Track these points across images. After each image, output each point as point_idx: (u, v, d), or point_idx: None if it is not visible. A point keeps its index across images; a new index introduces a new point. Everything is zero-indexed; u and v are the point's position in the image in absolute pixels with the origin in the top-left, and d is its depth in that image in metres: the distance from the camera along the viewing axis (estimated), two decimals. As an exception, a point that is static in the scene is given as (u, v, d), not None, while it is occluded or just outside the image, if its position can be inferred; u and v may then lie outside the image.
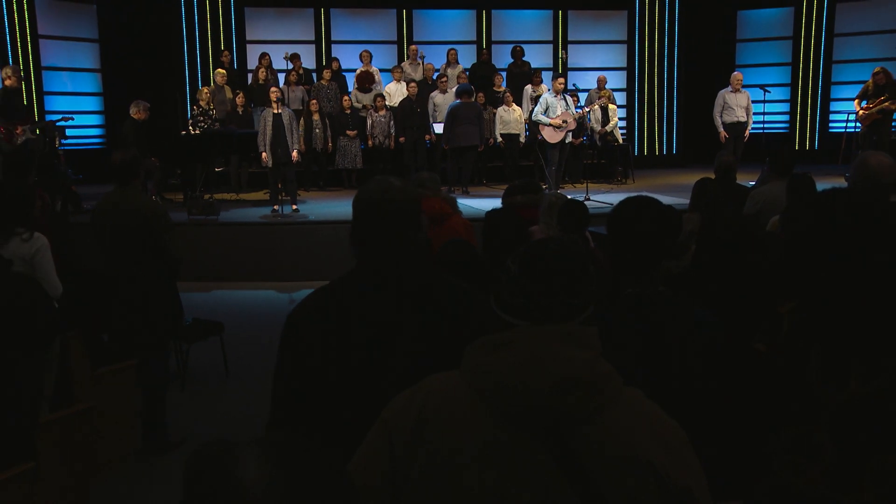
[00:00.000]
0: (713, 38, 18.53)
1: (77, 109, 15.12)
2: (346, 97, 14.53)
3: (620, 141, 15.48)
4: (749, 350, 2.19)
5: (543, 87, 15.22)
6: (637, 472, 1.69)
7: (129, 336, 5.79)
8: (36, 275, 4.92)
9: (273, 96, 11.85)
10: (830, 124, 17.95)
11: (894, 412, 1.99)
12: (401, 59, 16.59)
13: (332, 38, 17.29)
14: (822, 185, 6.23)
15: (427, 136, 14.48)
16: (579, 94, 14.79)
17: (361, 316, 2.35)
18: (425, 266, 2.49)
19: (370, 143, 14.33)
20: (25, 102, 13.36)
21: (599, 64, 17.59)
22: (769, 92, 14.78)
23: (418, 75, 15.27)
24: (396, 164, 14.34)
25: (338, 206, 12.20)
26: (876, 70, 13.19)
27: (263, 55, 15.12)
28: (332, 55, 16.53)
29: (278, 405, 2.45)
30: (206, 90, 13.57)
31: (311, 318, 2.43)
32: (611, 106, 15.03)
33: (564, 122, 12.47)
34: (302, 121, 13.23)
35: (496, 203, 7.48)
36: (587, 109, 14.23)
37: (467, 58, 16.57)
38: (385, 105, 14.33)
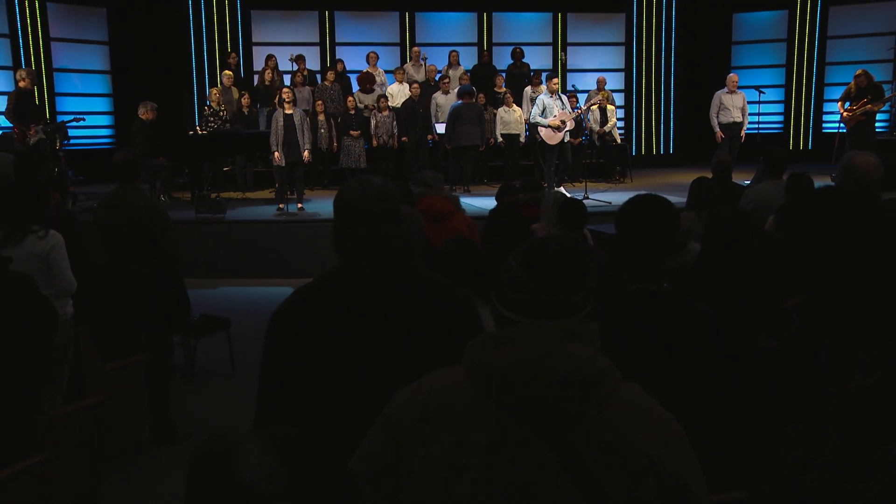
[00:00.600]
0: (709, 41, 18.53)
1: (87, 110, 15.14)
2: (350, 98, 14.53)
3: (619, 141, 15.47)
4: (756, 346, 2.19)
5: (542, 87, 15.20)
6: (635, 466, 1.69)
7: (132, 332, 5.80)
8: (51, 271, 4.92)
9: (286, 97, 11.85)
10: (823, 125, 17.96)
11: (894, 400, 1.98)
12: (403, 61, 16.59)
13: (337, 41, 17.29)
14: (817, 183, 6.22)
15: (429, 136, 14.48)
16: (578, 95, 14.79)
17: (342, 313, 2.33)
18: (407, 263, 2.47)
19: (374, 142, 14.33)
20: (38, 103, 13.37)
21: (598, 65, 17.58)
22: (764, 93, 14.79)
23: (421, 76, 15.26)
24: (399, 164, 14.33)
25: (342, 205, 12.16)
26: (857, 73, 13.19)
27: (269, 57, 15.13)
28: (337, 57, 16.53)
29: (264, 402, 2.44)
30: (215, 91, 13.57)
31: (294, 315, 2.41)
32: (609, 106, 15.02)
33: (563, 122, 12.44)
34: (308, 121, 13.22)
35: (496, 201, 7.47)
36: (584, 108, 14.20)
37: (469, 59, 16.56)
38: (388, 106, 14.33)
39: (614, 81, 17.58)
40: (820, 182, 6.51)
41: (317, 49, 17.06)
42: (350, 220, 2.39)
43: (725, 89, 13.65)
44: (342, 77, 15.34)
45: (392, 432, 1.81)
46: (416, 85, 14.49)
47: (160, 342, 5.90)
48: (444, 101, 14.35)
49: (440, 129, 14.16)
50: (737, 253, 3.46)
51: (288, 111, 11.70)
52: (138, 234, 5.70)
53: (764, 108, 14.92)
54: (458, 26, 17.74)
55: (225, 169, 14.39)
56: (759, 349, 2.20)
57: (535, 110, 12.62)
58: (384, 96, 14.45)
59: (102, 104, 16.41)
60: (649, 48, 18.26)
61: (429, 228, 5.25)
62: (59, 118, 13.95)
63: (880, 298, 2.03)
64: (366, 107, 14.73)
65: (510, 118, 14.52)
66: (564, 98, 12.85)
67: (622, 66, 18.39)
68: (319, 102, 14.05)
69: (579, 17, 18.09)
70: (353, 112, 14.34)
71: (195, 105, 15.36)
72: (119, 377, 5.47)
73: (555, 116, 12.39)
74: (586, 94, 15.34)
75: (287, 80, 14.97)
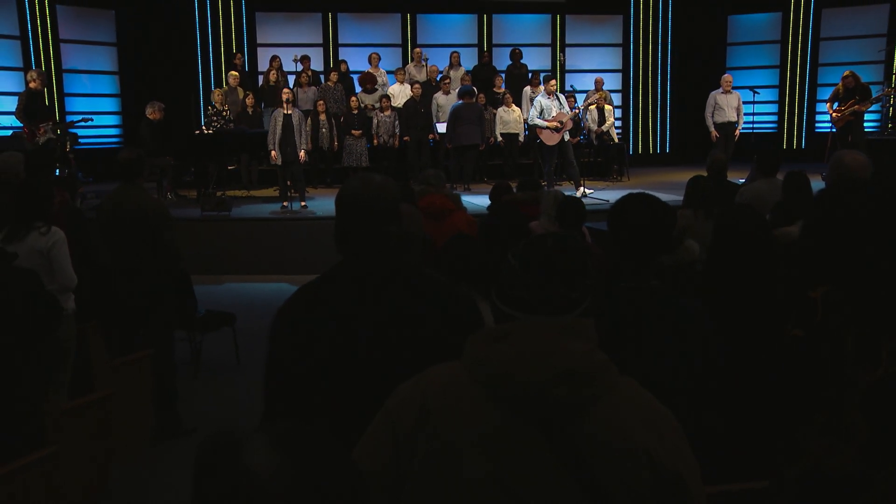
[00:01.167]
0: (705, 42, 18.50)
1: (96, 110, 15.14)
2: (353, 98, 14.53)
3: (616, 140, 15.47)
4: (783, 335, 2.19)
5: (541, 88, 15.18)
6: (632, 460, 1.68)
7: (135, 327, 5.81)
8: (52, 267, 4.93)
9: (285, 97, 11.86)
10: (816, 125, 17.95)
11: None
12: (405, 62, 16.58)
13: (340, 42, 17.27)
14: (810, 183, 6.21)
15: (430, 136, 14.47)
16: (576, 96, 14.78)
17: (345, 310, 2.33)
18: (408, 261, 2.47)
19: (376, 142, 14.32)
20: (47, 104, 13.37)
21: (596, 66, 17.57)
22: (758, 93, 14.78)
23: (422, 77, 15.25)
24: (401, 163, 14.33)
25: (345, 203, 12.17)
26: (845, 74, 13.20)
27: (274, 58, 15.12)
28: (340, 58, 16.52)
29: (271, 399, 2.44)
30: (218, 91, 13.57)
31: (298, 312, 2.41)
32: (607, 106, 15.03)
33: (560, 122, 12.42)
34: (309, 120, 13.22)
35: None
36: (582, 107, 14.19)
37: (469, 60, 16.55)
38: (390, 105, 14.33)
39: (612, 82, 17.58)
40: (813, 180, 6.51)
41: (320, 50, 17.05)
42: (351, 218, 2.39)
43: (720, 89, 13.64)
44: (345, 77, 15.34)
45: (393, 426, 1.80)
46: (417, 85, 14.48)
47: (162, 338, 5.90)
48: (445, 101, 14.34)
49: (441, 128, 14.16)
50: (748, 247, 3.47)
51: (287, 111, 11.70)
52: (140, 232, 5.71)
53: (758, 108, 14.92)
54: (458, 28, 17.73)
55: (230, 168, 14.40)
56: (786, 338, 2.20)
57: (533, 112, 12.60)
58: (386, 96, 14.44)
59: (110, 104, 16.42)
60: (646, 49, 18.24)
61: (429, 226, 5.25)
62: (69, 118, 13.97)
63: None
64: (366, 107, 14.72)
65: (509, 118, 14.54)
66: (563, 98, 12.82)
67: (620, 66, 18.39)
68: (321, 102, 14.05)
69: (577, 18, 18.08)
70: (355, 112, 14.34)
71: (201, 105, 15.36)
72: (126, 372, 5.47)
73: (552, 117, 12.37)
74: (584, 95, 15.33)
75: (291, 80, 14.96)
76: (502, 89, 15.27)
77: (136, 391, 5.54)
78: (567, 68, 17.26)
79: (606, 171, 15.44)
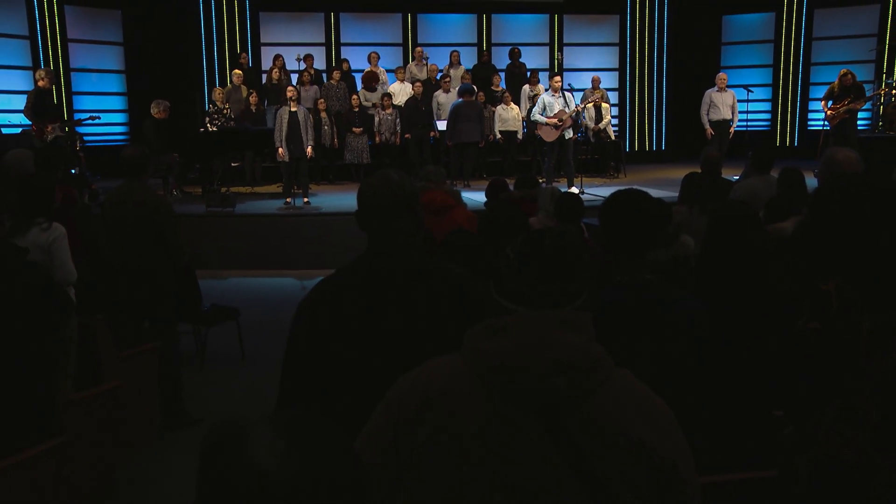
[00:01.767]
0: (700, 41, 18.48)
1: (103, 108, 15.13)
2: (354, 96, 14.53)
3: (613, 137, 15.45)
4: (797, 328, 2.19)
5: (540, 87, 15.20)
6: (627, 450, 1.69)
7: (139, 321, 5.81)
8: (53, 262, 4.94)
9: (290, 95, 11.85)
10: (809, 123, 17.95)
11: None
12: (406, 61, 16.56)
13: (342, 41, 17.25)
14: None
15: (431, 133, 14.45)
16: (574, 94, 14.75)
17: (363, 303, 2.34)
18: (424, 255, 2.49)
19: (378, 139, 14.32)
20: (56, 102, 13.37)
21: (593, 65, 17.53)
22: (752, 92, 14.76)
23: (423, 76, 15.23)
24: (402, 160, 14.33)
25: (347, 199, 12.20)
26: (844, 71, 13.17)
27: (277, 57, 15.10)
28: (342, 57, 16.50)
29: (288, 387, 2.44)
30: (219, 90, 13.56)
31: (321, 304, 2.42)
32: (604, 105, 15.00)
33: (560, 121, 12.41)
34: (312, 118, 13.22)
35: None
36: (582, 106, 14.17)
37: (469, 59, 16.52)
38: (391, 104, 14.32)
39: (609, 80, 17.55)
40: (805, 176, 6.51)
41: (322, 49, 17.03)
42: (371, 214, 2.42)
43: (715, 88, 13.63)
44: (347, 76, 15.33)
45: (394, 416, 1.81)
46: (418, 84, 14.47)
47: (166, 331, 5.90)
48: (446, 99, 14.33)
49: (441, 126, 14.15)
50: (740, 242, 3.47)
51: (293, 108, 11.70)
52: (144, 227, 5.72)
53: (752, 106, 14.90)
54: (458, 27, 17.70)
55: (234, 165, 14.40)
56: (800, 331, 2.21)
57: (537, 108, 12.58)
58: (387, 94, 14.44)
59: (117, 102, 16.41)
60: (642, 48, 18.22)
61: (430, 222, 5.25)
62: (76, 116, 13.99)
63: None
64: (372, 105, 14.72)
65: (508, 116, 14.53)
66: (567, 96, 12.80)
67: (616, 65, 18.36)
68: (321, 101, 14.03)
69: (575, 18, 18.04)
70: (356, 109, 14.34)
71: (206, 103, 15.37)
72: (132, 364, 5.48)
73: (553, 114, 12.36)
74: (581, 93, 15.31)
75: (294, 79, 14.94)
76: (501, 88, 15.27)
77: (143, 383, 5.55)
78: (565, 67, 17.25)
79: (603, 168, 15.43)
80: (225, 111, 13.22)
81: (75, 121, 13.19)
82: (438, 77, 15.03)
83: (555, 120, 12.35)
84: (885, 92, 14.79)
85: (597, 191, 12.48)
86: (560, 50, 17.30)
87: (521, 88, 15.14)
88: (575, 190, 12.15)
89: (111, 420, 4.87)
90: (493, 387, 1.72)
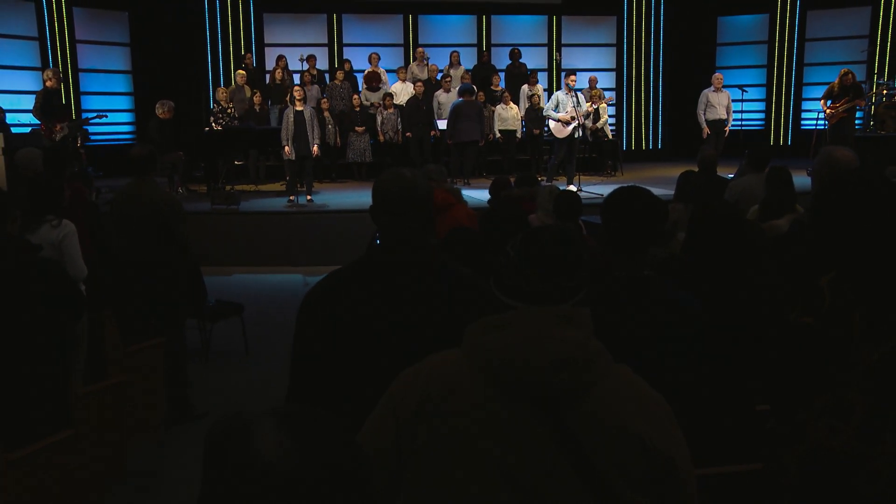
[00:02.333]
0: (695, 42, 18.50)
1: (110, 108, 15.13)
2: (356, 96, 14.52)
3: (610, 136, 15.47)
4: (790, 322, 2.19)
5: (539, 86, 15.22)
6: (626, 443, 1.69)
7: (147, 316, 5.81)
8: (63, 258, 4.94)
9: (297, 94, 11.86)
10: (802, 122, 17.98)
11: None
12: (407, 61, 16.55)
13: (344, 42, 17.24)
14: (795, 177, 6.21)
15: (432, 132, 14.45)
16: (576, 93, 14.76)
17: (370, 297, 2.34)
18: (432, 252, 2.49)
19: (380, 138, 14.33)
20: (64, 102, 13.37)
21: (591, 65, 17.52)
22: (746, 92, 14.75)
23: (424, 76, 15.23)
24: (403, 158, 14.32)
25: (349, 197, 12.21)
26: (845, 71, 13.16)
27: (280, 57, 15.10)
28: (344, 57, 16.49)
29: (296, 380, 2.44)
30: (223, 90, 13.56)
31: (325, 297, 2.42)
32: (601, 104, 15.00)
33: (572, 118, 12.40)
34: (316, 118, 13.22)
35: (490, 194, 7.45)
36: (595, 106, 14.18)
37: (469, 59, 16.52)
38: (393, 103, 14.31)
39: (606, 80, 17.55)
40: (797, 175, 6.51)
41: (325, 50, 17.02)
42: (381, 210, 2.42)
43: (712, 87, 13.61)
44: (350, 76, 15.33)
45: (395, 410, 1.81)
46: (419, 83, 14.46)
47: (174, 326, 5.91)
48: (446, 98, 14.33)
49: (442, 125, 14.14)
50: (720, 241, 3.46)
51: (299, 108, 11.70)
52: (154, 224, 5.72)
53: (747, 105, 14.89)
54: (458, 28, 17.69)
55: (238, 163, 14.40)
56: (793, 325, 2.20)
57: (550, 104, 12.59)
58: (389, 94, 14.44)
59: (124, 102, 16.42)
60: (639, 49, 18.21)
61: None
62: (84, 115, 14.00)
63: None
64: (372, 104, 14.72)
65: (508, 115, 14.53)
66: (580, 96, 12.81)
67: (614, 66, 18.35)
68: (325, 100, 14.04)
69: (573, 19, 18.03)
70: (358, 109, 14.34)
71: (210, 103, 15.38)
72: (139, 358, 5.48)
73: (566, 112, 12.36)
74: (578, 92, 15.30)
75: (297, 79, 14.94)
76: (500, 87, 15.26)
77: (149, 377, 5.55)
78: (563, 67, 17.22)
79: (601, 166, 15.43)
80: (229, 111, 13.22)
81: (83, 119, 13.19)
82: (439, 77, 15.03)
83: (567, 117, 12.35)
84: (875, 93, 14.77)
85: (594, 189, 12.47)
86: (558, 50, 17.28)
87: (520, 88, 15.12)
88: (573, 188, 12.15)
89: (118, 413, 4.87)
90: (493, 381, 1.72)
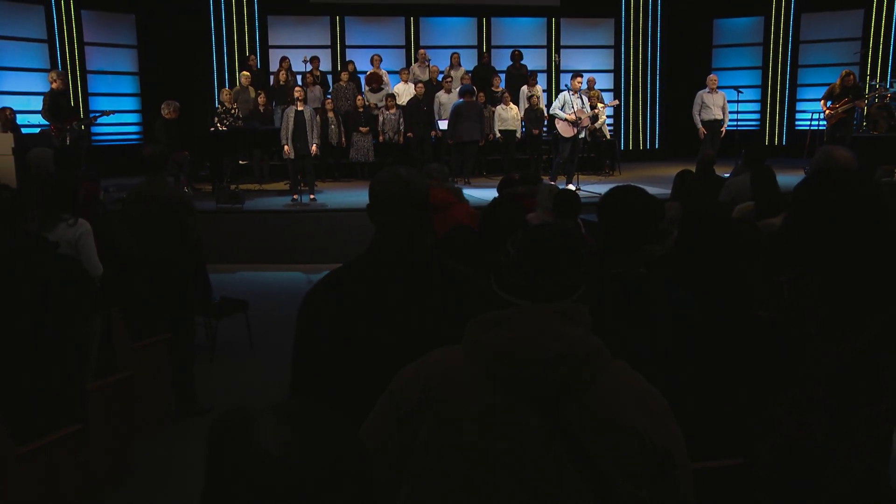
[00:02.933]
0: (692, 44, 18.49)
1: (117, 108, 15.14)
2: (359, 96, 14.52)
3: (608, 136, 15.47)
4: (751, 319, 2.19)
5: (538, 87, 15.20)
6: (623, 437, 1.69)
7: (158, 312, 5.81)
8: (79, 256, 4.94)
9: (297, 95, 11.86)
10: (797, 123, 17.97)
11: (880, 364, 1.98)
12: (409, 63, 16.54)
13: (347, 43, 17.24)
14: (790, 177, 6.21)
15: (433, 132, 14.45)
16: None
17: (370, 295, 2.33)
18: (430, 250, 2.48)
19: (381, 138, 14.33)
20: (72, 103, 13.38)
21: (589, 66, 17.49)
22: (742, 93, 14.76)
23: (425, 77, 15.22)
24: (405, 158, 14.33)
25: (352, 196, 12.21)
26: (846, 72, 13.18)
27: (284, 59, 15.10)
28: (347, 59, 16.48)
29: (298, 377, 2.43)
30: (226, 91, 13.56)
31: (326, 295, 2.41)
32: (599, 105, 14.99)
33: (578, 118, 12.40)
34: (318, 118, 13.23)
35: (495, 192, 7.47)
36: (601, 107, 14.17)
37: (469, 61, 16.51)
38: (395, 104, 14.31)
39: (604, 81, 17.55)
40: (791, 175, 6.50)
41: (328, 51, 17.02)
42: (378, 208, 2.40)
43: (706, 89, 13.62)
44: (353, 77, 15.33)
45: (397, 405, 1.80)
46: (420, 84, 14.46)
47: (184, 322, 5.91)
48: (447, 99, 14.32)
49: (443, 125, 14.14)
50: (708, 239, 3.45)
51: (299, 108, 11.70)
52: (166, 222, 5.72)
53: (742, 106, 14.91)
54: (459, 30, 17.68)
55: (242, 162, 14.40)
56: (755, 320, 2.20)
57: (556, 104, 12.59)
58: (391, 95, 14.43)
59: (131, 103, 16.43)
60: (636, 51, 18.20)
61: (432, 218, 5.23)
62: (92, 115, 14.03)
63: (869, 275, 2.03)
64: (375, 105, 14.72)
65: (507, 115, 14.52)
66: (585, 98, 12.81)
67: (611, 67, 18.34)
68: (329, 101, 14.05)
69: (572, 21, 18.02)
70: (361, 110, 14.34)
71: (215, 103, 15.39)
72: (146, 355, 5.48)
73: (573, 112, 12.35)
74: (582, 93, 15.31)
75: (300, 80, 14.94)
76: (501, 88, 15.26)
77: (155, 373, 5.55)
78: (562, 69, 17.25)
79: (599, 166, 15.43)
80: (233, 111, 13.22)
81: (90, 119, 13.21)
82: (440, 78, 15.02)
83: (573, 117, 12.35)
84: (873, 95, 14.75)
85: (593, 188, 12.47)
86: (557, 52, 17.28)
87: (520, 89, 15.11)
88: (572, 187, 12.15)
89: (125, 408, 4.88)
90: (493, 377, 1.72)
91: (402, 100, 14.64)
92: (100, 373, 4.94)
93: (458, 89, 14.17)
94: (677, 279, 3.31)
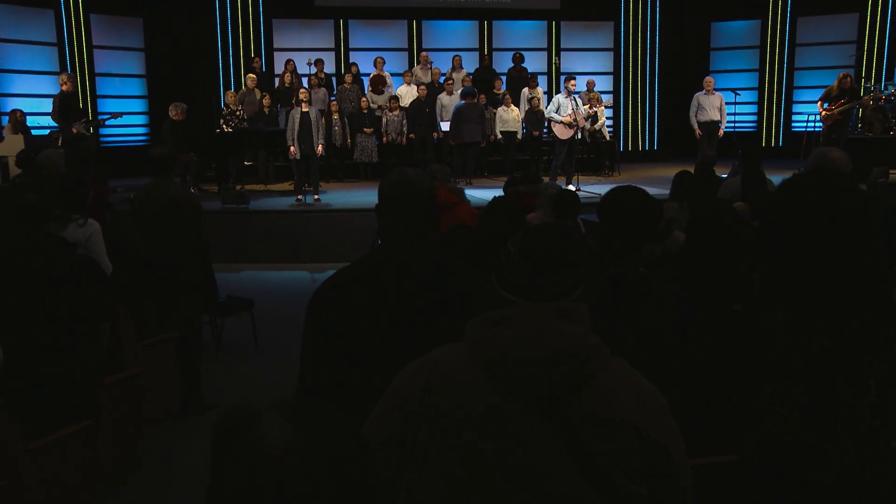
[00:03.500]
0: (690, 47, 18.49)
1: (125, 110, 15.16)
2: (362, 98, 14.53)
3: (607, 137, 15.46)
4: (729, 314, 2.18)
5: (539, 89, 15.20)
6: (622, 434, 1.68)
7: (166, 311, 5.81)
8: (89, 256, 4.94)
9: (302, 96, 11.86)
10: (793, 124, 17.95)
11: (859, 363, 1.96)
12: (412, 65, 16.54)
13: (350, 46, 17.23)
14: (786, 178, 6.21)
15: (435, 134, 14.45)
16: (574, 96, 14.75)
17: (376, 293, 2.33)
18: (436, 249, 2.47)
19: (384, 139, 14.33)
20: (81, 106, 13.40)
21: (589, 69, 17.49)
22: (739, 95, 14.75)
23: (427, 79, 15.22)
24: (407, 159, 14.33)
25: (356, 196, 12.21)
26: (843, 74, 13.16)
27: (288, 61, 15.09)
28: (351, 61, 16.48)
29: (305, 375, 2.43)
30: (231, 93, 13.57)
31: (333, 294, 2.41)
32: (599, 106, 14.99)
33: (574, 120, 12.39)
34: (323, 119, 13.22)
35: (497, 192, 7.49)
36: (595, 110, 14.16)
37: (471, 63, 16.51)
38: (398, 105, 14.31)
39: (603, 83, 17.53)
40: (786, 175, 6.49)
41: (332, 54, 17.01)
42: (384, 209, 2.41)
43: (703, 91, 13.60)
44: (358, 79, 15.33)
45: (399, 403, 1.79)
46: (422, 87, 14.46)
47: (191, 321, 5.91)
48: (449, 101, 14.31)
49: (445, 126, 14.14)
50: (720, 237, 3.45)
51: (304, 109, 11.70)
52: (174, 222, 5.71)
53: (739, 108, 14.89)
54: (461, 33, 17.67)
55: (248, 163, 14.40)
56: (732, 313, 2.19)
57: (551, 107, 12.59)
58: (394, 97, 14.43)
59: (138, 105, 16.45)
60: (635, 53, 18.18)
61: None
62: (101, 117, 14.07)
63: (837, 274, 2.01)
64: (378, 107, 14.72)
65: (508, 117, 14.52)
66: (579, 100, 12.81)
67: (611, 69, 18.33)
68: (334, 103, 14.06)
69: (572, 24, 18.01)
70: (365, 111, 14.34)
71: (221, 105, 15.42)
72: (153, 352, 5.48)
73: (568, 114, 12.35)
74: (577, 95, 15.29)
75: (305, 82, 14.94)
76: (502, 90, 15.25)
77: (162, 370, 5.55)
78: (562, 71, 17.23)
79: (598, 166, 15.41)
80: (238, 113, 13.22)
81: (99, 121, 13.23)
82: (442, 80, 15.02)
83: (569, 119, 12.34)
84: (871, 97, 14.75)
85: (592, 188, 12.47)
86: (557, 54, 17.27)
87: (521, 91, 15.11)
88: (572, 188, 12.15)
89: (132, 405, 4.88)
90: (493, 375, 1.71)
91: (405, 102, 14.64)
92: (108, 370, 4.95)
93: (459, 91, 14.16)
94: (677, 279, 3.31)
